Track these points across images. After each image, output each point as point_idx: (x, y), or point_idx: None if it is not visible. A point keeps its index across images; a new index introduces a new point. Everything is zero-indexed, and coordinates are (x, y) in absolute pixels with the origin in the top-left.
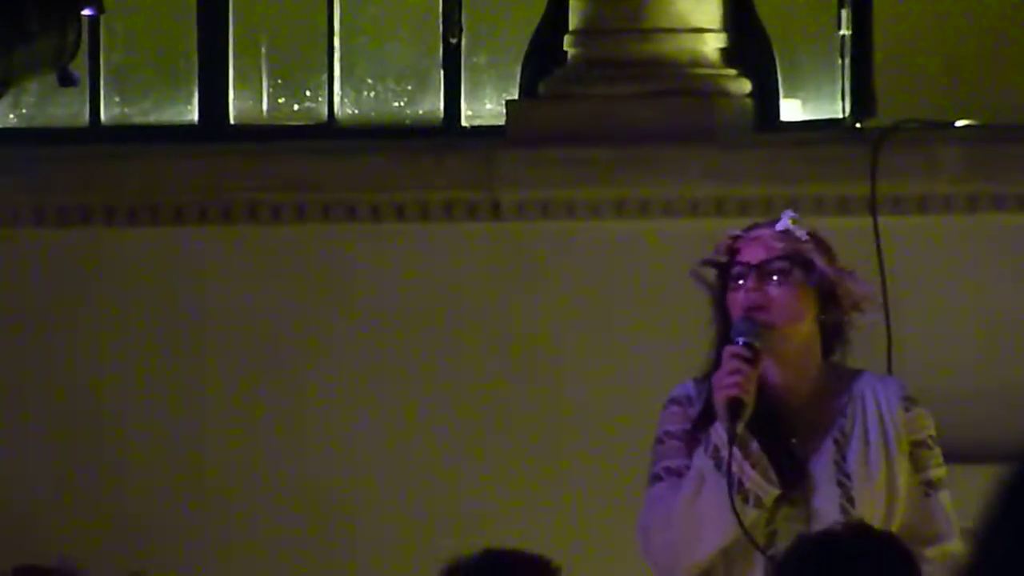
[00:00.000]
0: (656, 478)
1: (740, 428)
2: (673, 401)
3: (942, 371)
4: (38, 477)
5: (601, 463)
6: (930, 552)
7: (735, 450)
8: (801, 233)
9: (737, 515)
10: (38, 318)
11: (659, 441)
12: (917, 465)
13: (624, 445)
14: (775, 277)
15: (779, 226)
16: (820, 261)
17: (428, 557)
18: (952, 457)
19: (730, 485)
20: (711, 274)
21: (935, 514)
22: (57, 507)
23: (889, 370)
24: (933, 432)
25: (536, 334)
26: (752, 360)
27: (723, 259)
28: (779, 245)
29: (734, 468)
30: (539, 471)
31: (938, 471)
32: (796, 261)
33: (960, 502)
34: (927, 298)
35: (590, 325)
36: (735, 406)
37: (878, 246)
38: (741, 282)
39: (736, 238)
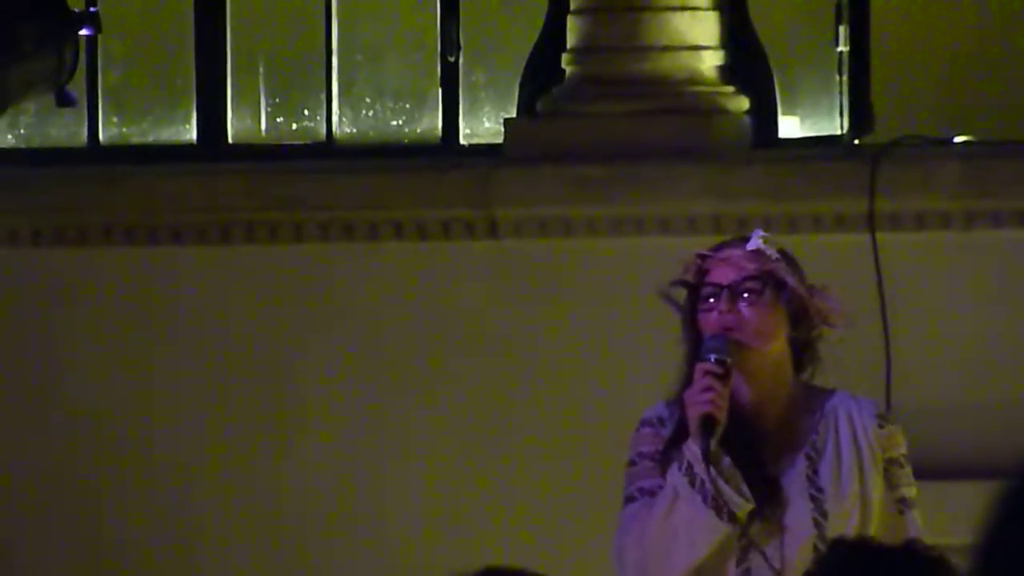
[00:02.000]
0: (630, 499)
1: (713, 444)
2: (645, 423)
3: (939, 387)
4: (26, 495)
5: (599, 478)
6: None
7: (709, 466)
8: (772, 252)
9: (717, 512)
10: (36, 338)
11: (631, 463)
12: (891, 482)
13: (622, 461)
14: (747, 296)
15: (750, 245)
16: (792, 280)
17: (422, 570)
18: (948, 473)
19: (704, 500)
20: (681, 294)
21: (909, 532)
22: (41, 531)
23: (888, 385)
24: (905, 451)
25: (534, 352)
26: (724, 376)
27: (692, 280)
28: (751, 265)
29: (707, 484)
30: (537, 486)
31: (910, 489)
32: (768, 281)
33: (956, 518)
34: (925, 314)
35: (587, 343)
36: (708, 423)
37: (876, 262)
38: (712, 301)
39: (705, 258)
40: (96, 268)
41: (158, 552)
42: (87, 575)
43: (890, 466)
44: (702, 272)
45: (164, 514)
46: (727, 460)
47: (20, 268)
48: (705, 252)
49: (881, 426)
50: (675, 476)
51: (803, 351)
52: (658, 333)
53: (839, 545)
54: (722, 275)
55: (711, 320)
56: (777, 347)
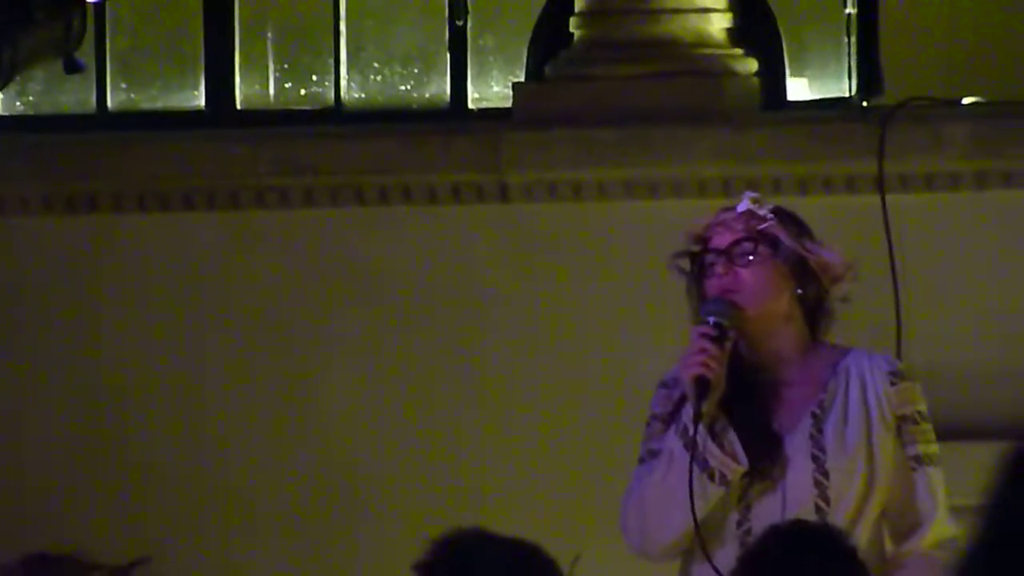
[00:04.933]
0: (640, 460)
1: (706, 407)
2: (662, 383)
3: (950, 347)
4: (47, 463)
5: (614, 442)
6: (920, 547)
7: (700, 428)
8: (764, 211)
9: (691, 495)
10: (46, 305)
11: (647, 423)
12: (903, 440)
13: (636, 424)
14: (742, 258)
15: (739, 207)
16: (785, 237)
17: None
18: (959, 435)
19: (692, 464)
20: (687, 263)
21: (918, 490)
22: (66, 493)
23: (898, 347)
24: (922, 407)
25: (544, 315)
26: (719, 339)
27: (696, 248)
28: (741, 227)
29: (700, 448)
30: (550, 450)
31: (927, 447)
32: (761, 240)
33: (968, 480)
34: (935, 275)
35: (598, 306)
36: (700, 385)
37: (886, 223)
38: (713, 267)
39: (705, 226)
40: (106, 234)
41: (188, 520)
42: (121, 545)
43: (903, 423)
44: (704, 240)
45: (183, 474)
46: (721, 423)
47: (31, 235)
48: (704, 220)
49: (893, 383)
50: (671, 439)
51: (814, 309)
52: (670, 295)
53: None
54: (719, 240)
55: (712, 285)
56: (781, 305)
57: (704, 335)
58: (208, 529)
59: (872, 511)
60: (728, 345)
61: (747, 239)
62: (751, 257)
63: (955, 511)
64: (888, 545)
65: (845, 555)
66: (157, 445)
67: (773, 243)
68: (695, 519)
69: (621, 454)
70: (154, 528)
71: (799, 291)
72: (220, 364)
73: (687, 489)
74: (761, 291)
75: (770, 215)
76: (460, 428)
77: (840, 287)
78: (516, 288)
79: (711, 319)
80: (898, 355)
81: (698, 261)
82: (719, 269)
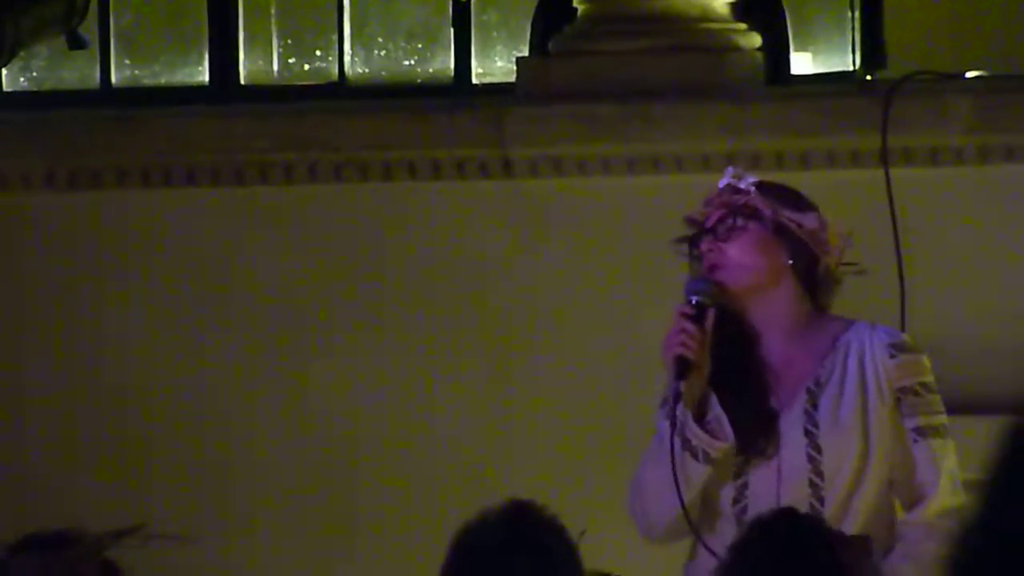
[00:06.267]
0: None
1: (686, 387)
2: None
3: (954, 322)
4: (46, 444)
5: (615, 419)
6: (921, 516)
7: (680, 407)
8: (743, 184)
9: (675, 476)
10: (50, 281)
11: (660, 404)
12: (903, 412)
13: (641, 399)
14: (726, 234)
15: (720, 183)
16: (765, 207)
17: (435, 514)
18: (962, 409)
19: (672, 444)
20: (686, 247)
21: (918, 462)
22: (64, 477)
23: (902, 320)
24: (926, 379)
25: (548, 290)
26: (698, 319)
27: (692, 232)
28: (720, 202)
29: (682, 427)
30: (551, 427)
31: (930, 418)
32: (741, 213)
33: (970, 454)
34: (939, 249)
35: (603, 280)
36: (681, 364)
37: (890, 198)
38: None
39: (700, 210)
40: (110, 210)
41: (187, 488)
42: (119, 512)
43: (903, 395)
44: (701, 223)
45: (185, 445)
46: (706, 400)
47: (34, 212)
48: (700, 205)
49: (892, 356)
50: (660, 420)
51: (811, 280)
52: (675, 270)
53: (756, 523)
54: (707, 220)
55: (703, 264)
56: (769, 277)
57: (684, 315)
58: (203, 494)
59: (871, 484)
60: (708, 324)
61: (728, 214)
62: (735, 231)
63: (960, 480)
64: (899, 515)
65: (831, 548)
66: (160, 419)
67: (753, 215)
68: (681, 499)
69: (628, 431)
70: (149, 493)
71: (790, 262)
72: (223, 338)
73: (677, 470)
74: (745, 265)
75: (751, 187)
76: (464, 404)
77: (842, 257)
78: (520, 262)
79: (692, 298)
80: (902, 329)
81: (695, 244)
82: (704, 247)
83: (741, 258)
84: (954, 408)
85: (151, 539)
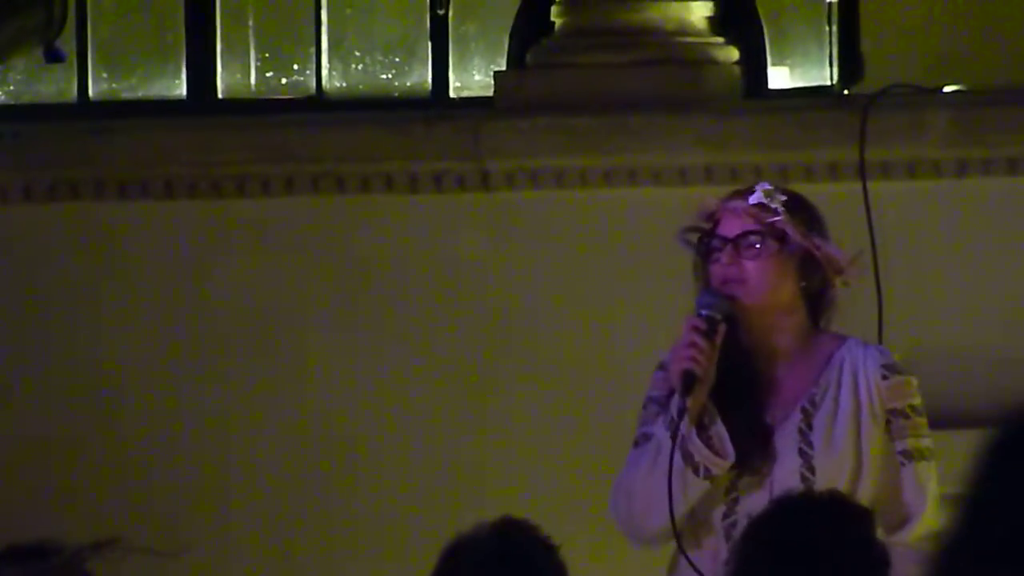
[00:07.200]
0: (635, 443)
1: (692, 401)
2: (660, 366)
3: (931, 335)
4: (30, 453)
5: (593, 429)
6: (904, 539)
7: (685, 423)
8: (775, 204)
9: (670, 491)
10: (27, 294)
11: (644, 405)
12: (893, 435)
13: (616, 412)
14: (748, 250)
15: (752, 199)
16: (793, 232)
17: (427, 526)
18: (939, 423)
19: (672, 460)
20: (695, 238)
21: (905, 484)
22: (51, 485)
23: (880, 334)
24: (915, 401)
25: (526, 303)
26: (710, 334)
27: (707, 226)
28: (752, 219)
29: (684, 441)
30: (530, 436)
31: (917, 441)
32: (769, 233)
33: (948, 468)
34: (917, 262)
35: (580, 294)
36: (688, 379)
37: (868, 211)
38: (718, 254)
39: (718, 206)
40: (87, 223)
41: (181, 499)
42: (109, 516)
43: (893, 417)
44: (715, 220)
45: (175, 457)
46: (708, 416)
47: (11, 224)
48: (716, 200)
49: (885, 377)
50: (659, 430)
51: (817, 300)
52: (651, 283)
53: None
54: (728, 227)
55: (716, 272)
56: (783, 298)
57: (695, 328)
58: (198, 507)
59: None
60: (718, 339)
61: (755, 231)
62: (759, 250)
63: (941, 500)
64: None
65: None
66: (139, 432)
67: (781, 237)
68: (672, 515)
69: (609, 441)
70: (145, 501)
71: (803, 284)
72: (200, 352)
73: (674, 481)
74: (763, 284)
75: (781, 208)
76: (441, 416)
77: (845, 283)
78: (497, 274)
79: (703, 312)
80: (879, 342)
81: (705, 241)
82: (724, 258)
83: (760, 277)
84: (932, 422)
85: (131, 552)
